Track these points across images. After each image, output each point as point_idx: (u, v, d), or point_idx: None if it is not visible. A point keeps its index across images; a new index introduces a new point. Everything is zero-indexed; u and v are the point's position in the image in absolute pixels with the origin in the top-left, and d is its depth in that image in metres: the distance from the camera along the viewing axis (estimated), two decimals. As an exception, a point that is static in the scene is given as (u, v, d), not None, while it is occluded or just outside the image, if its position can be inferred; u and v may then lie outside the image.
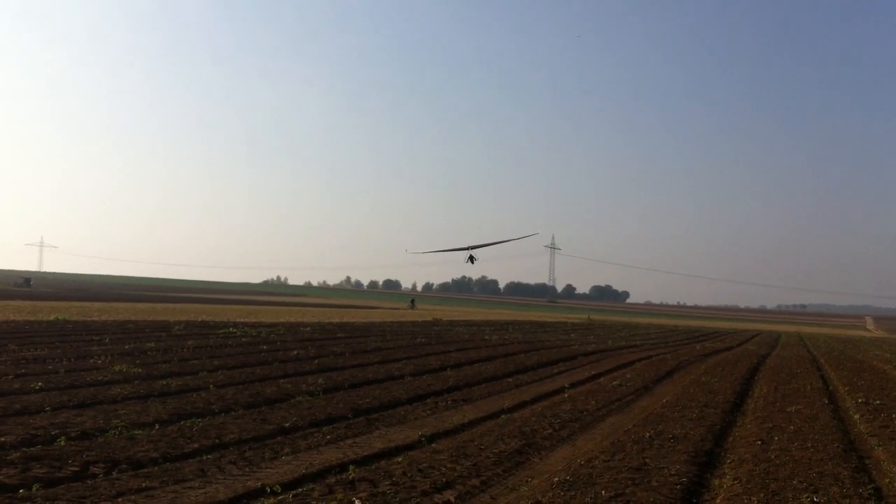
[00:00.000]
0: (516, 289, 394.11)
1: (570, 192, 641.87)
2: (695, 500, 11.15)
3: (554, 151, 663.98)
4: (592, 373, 28.94)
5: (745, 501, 10.70)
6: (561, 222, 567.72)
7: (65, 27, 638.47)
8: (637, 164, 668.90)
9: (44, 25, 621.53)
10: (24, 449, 11.87)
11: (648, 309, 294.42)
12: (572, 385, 24.40)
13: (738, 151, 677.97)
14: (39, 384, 18.19)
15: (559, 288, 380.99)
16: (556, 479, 11.77)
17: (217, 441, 13.30)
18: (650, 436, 15.54)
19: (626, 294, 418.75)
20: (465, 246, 78.26)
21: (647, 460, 13.20)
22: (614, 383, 25.23)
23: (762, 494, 11.06)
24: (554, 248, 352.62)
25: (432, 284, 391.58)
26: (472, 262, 79.76)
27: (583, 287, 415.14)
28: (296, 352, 30.44)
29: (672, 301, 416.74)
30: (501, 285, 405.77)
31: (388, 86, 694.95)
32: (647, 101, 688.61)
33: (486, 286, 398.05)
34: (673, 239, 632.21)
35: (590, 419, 18.07)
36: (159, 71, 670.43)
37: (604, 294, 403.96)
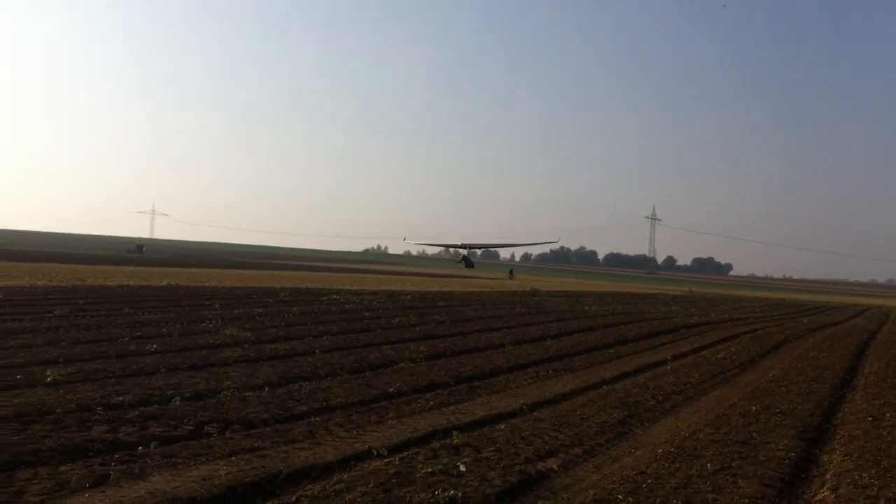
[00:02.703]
0: (615, 260, 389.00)
1: (672, 161, 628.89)
2: (803, 476, 10.95)
3: (654, 120, 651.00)
4: (695, 345, 28.52)
5: (856, 478, 10.46)
6: (662, 192, 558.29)
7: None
8: (743, 132, 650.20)
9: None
10: (141, 408, 12.40)
11: (752, 282, 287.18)
12: (675, 357, 24.12)
13: (848, 119, 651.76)
14: (154, 346, 18.95)
15: (659, 260, 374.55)
16: (660, 450, 11.73)
17: (324, 404, 13.65)
18: (756, 410, 15.29)
19: (728, 266, 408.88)
20: (460, 244, 76.90)
21: (754, 434, 13.01)
22: (718, 356, 24.84)
23: (874, 471, 10.80)
24: (654, 219, 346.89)
25: (531, 255, 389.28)
26: (466, 265, 79.12)
27: (684, 259, 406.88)
28: (397, 319, 30.89)
29: (777, 274, 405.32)
30: (600, 256, 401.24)
31: (492, 58, 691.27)
32: (751, 68, 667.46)
33: (585, 257, 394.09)
34: (778, 210, 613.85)
35: (693, 392, 17.86)
36: (270, 43, 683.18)
37: (706, 266, 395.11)
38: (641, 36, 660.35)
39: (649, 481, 9.89)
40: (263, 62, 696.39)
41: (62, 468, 9.04)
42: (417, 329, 27.68)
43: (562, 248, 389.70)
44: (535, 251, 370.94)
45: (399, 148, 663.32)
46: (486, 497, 8.86)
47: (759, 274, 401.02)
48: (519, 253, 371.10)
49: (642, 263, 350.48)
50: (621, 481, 9.91)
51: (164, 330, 22.65)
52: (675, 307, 58.70)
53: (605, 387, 17.74)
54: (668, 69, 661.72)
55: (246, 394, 14.12)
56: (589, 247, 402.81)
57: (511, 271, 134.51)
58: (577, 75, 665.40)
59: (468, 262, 78.32)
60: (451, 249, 78.82)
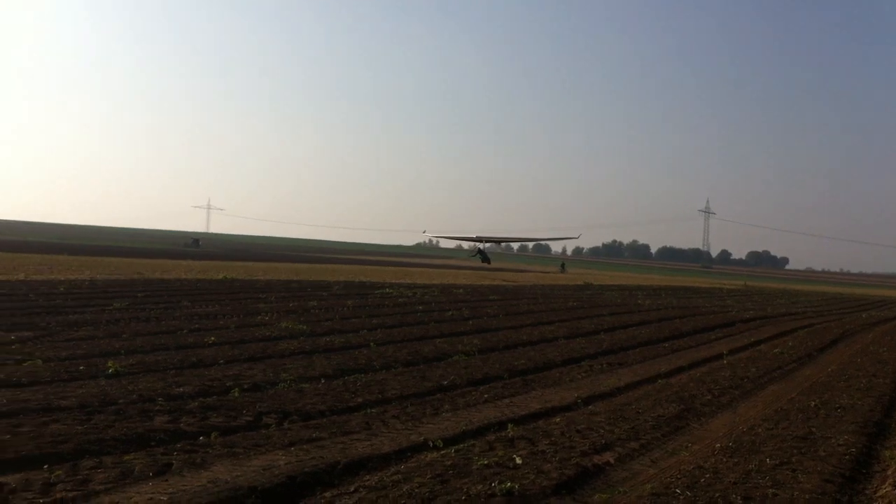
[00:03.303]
0: (668, 254, 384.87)
1: (727, 153, 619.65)
2: (864, 471, 10.76)
3: (707, 111, 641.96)
4: (752, 340, 28.17)
5: (922, 475, 10.26)
6: (716, 185, 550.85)
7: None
8: (800, 123, 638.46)
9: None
10: (201, 399, 12.60)
11: (809, 276, 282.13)
12: (731, 352, 23.84)
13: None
14: (212, 338, 19.24)
15: (713, 253, 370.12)
16: (718, 445, 11.61)
17: (380, 396, 13.75)
18: (815, 405, 15.06)
19: (784, 260, 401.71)
20: (475, 236, 74.26)
21: (813, 429, 12.81)
22: (775, 351, 24.50)
23: (938, 467, 10.59)
24: (708, 213, 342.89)
25: (582, 248, 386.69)
26: (482, 259, 75.55)
27: (739, 253, 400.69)
28: (450, 312, 30.97)
29: (834, 268, 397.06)
30: (653, 250, 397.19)
31: (538, 53, 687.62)
32: (808, 54, 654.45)
33: (638, 251, 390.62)
34: (836, 203, 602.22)
35: (750, 386, 17.64)
36: (322, 42, 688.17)
37: (761, 260, 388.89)
38: (691, 24, 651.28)
39: (707, 476, 9.81)
40: (309, 59, 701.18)
41: (126, 457, 9.23)
42: (470, 322, 27.72)
43: (614, 241, 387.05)
44: (587, 244, 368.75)
45: (448, 141, 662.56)
46: (543, 489, 8.86)
47: (817, 268, 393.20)
48: (571, 247, 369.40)
49: (696, 257, 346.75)
50: (679, 475, 9.84)
51: (221, 322, 22.99)
52: (730, 301, 57.95)
53: (660, 381, 17.60)
54: (720, 57, 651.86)
55: (303, 385, 14.27)
56: (641, 240, 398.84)
57: (563, 265, 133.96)
58: (629, 66, 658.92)
59: (484, 256, 75.58)
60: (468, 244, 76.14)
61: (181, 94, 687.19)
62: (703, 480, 9.59)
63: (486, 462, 9.73)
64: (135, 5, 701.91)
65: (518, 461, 9.88)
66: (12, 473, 8.37)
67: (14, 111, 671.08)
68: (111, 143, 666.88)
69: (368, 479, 8.95)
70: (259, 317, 25.01)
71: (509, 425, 12.05)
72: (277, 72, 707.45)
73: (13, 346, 16.56)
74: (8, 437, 9.56)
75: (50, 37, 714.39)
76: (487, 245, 75.12)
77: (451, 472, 9.28)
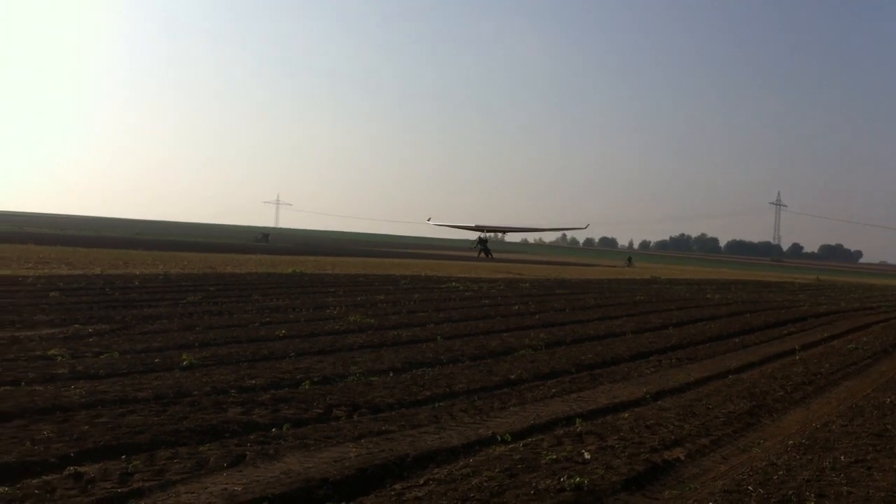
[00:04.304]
0: (738, 247, 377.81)
1: (799, 144, 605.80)
2: (945, 471, 10.49)
3: (778, 102, 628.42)
4: (825, 335, 27.55)
5: None
6: (788, 177, 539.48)
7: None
8: (871, 115, 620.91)
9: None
10: (272, 391, 12.82)
11: (884, 269, 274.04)
12: (803, 347, 23.36)
13: None
14: (283, 331, 19.52)
15: (784, 247, 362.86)
16: (791, 442, 11.43)
17: (447, 390, 13.83)
18: (891, 402, 14.70)
19: (858, 253, 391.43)
20: (474, 225, 70.29)
21: (889, 426, 12.52)
22: (849, 346, 23.94)
23: None
24: (779, 205, 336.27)
25: (649, 242, 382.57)
26: (484, 251, 71.19)
27: (811, 246, 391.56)
28: (516, 307, 30.93)
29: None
30: (722, 244, 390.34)
31: (607, 46, 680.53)
32: (876, 44, 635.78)
33: (706, 244, 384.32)
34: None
35: (824, 382, 17.29)
36: (382, 40, 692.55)
37: (834, 253, 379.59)
38: (755, 10, 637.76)
39: (780, 473, 9.66)
40: (371, 57, 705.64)
41: (201, 448, 9.44)
42: (537, 316, 27.67)
43: (682, 235, 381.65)
44: (654, 238, 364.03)
45: (508, 134, 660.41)
46: (613, 485, 8.83)
47: (892, 261, 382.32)
48: (637, 240, 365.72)
49: (766, 251, 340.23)
50: (751, 472, 9.72)
51: (291, 316, 23.33)
52: (802, 296, 56.72)
53: (730, 376, 17.36)
54: (791, 44, 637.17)
55: (371, 378, 14.43)
56: (710, 234, 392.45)
57: (629, 259, 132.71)
58: (695, 56, 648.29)
59: (485, 248, 71.62)
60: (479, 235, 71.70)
61: (251, 92, 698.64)
62: (775, 478, 9.46)
63: (554, 457, 9.74)
64: (205, 6, 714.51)
65: (587, 456, 9.86)
66: (91, 463, 8.60)
67: (90, 111, 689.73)
68: (185, 141, 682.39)
69: (438, 473, 9.03)
70: (328, 310, 25.32)
71: (577, 420, 12.02)
72: (341, 69, 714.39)
73: (91, 339, 17.05)
74: (87, 427, 9.84)
75: (123, 35, 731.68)
76: (489, 235, 71.76)
77: (519, 466, 9.31)
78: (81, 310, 21.64)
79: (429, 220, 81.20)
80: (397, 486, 8.58)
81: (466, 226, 68.77)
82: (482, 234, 67.14)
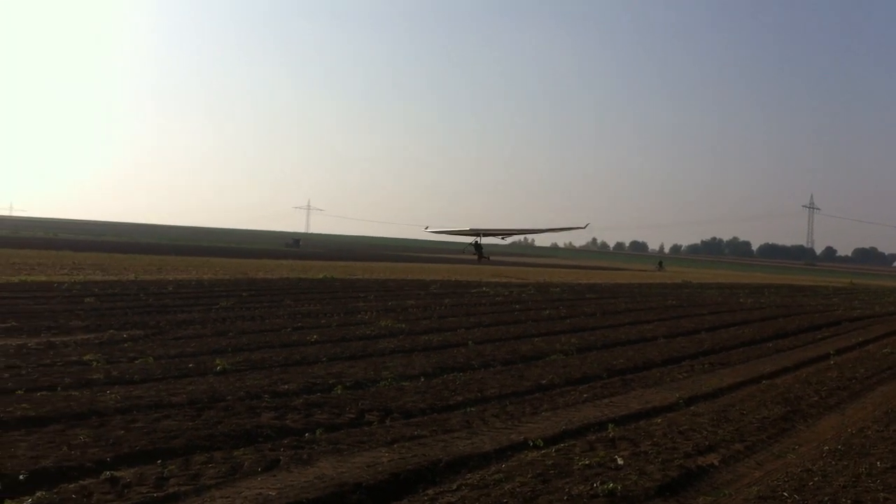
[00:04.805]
0: (770, 251, 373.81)
1: (833, 146, 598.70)
2: (984, 478, 10.34)
3: (809, 104, 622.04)
4: (860, 339, 27.20)
5: None
6: (821, 180, 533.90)
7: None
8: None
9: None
10: (305, 396, 12.88)
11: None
12: (838, 352, 23.09)
13: None
14: (315, 337, 19.63)
15: (818, 250, 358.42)
16: (826, 447, 11.32)
17: (479, 395, 13.82)
18: (929, 407, 14.53)
19: (893, 257, 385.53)
20: (469, 229, 68.22)
21: (926, 432, 12.37)
22: (884, 351, 23.65)
23: None
24: (812, 208, 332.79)
25: (680, 246, 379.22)
26: (479, 254, 68.74)
27: (844, 249, 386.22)
28: (547, 311, 30.87)
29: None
30: (754, 247, 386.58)
31: (632, 45, 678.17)
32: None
33: (738, 248, 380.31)
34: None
35: (859, 387, 17.09)
36: (415, 46, 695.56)
37: (868, 257, 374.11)
38: (786, 11, 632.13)
39: (816, 479, 9.57)
40: (404, 63, 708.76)
41: (235, 452, 9.50)
42: (567, 321, 27.60)
43: (713, 238, 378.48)
44: (685, 242, 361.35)
45: (537, 138, 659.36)
46: (646, 491, 8.79)
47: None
48: (668, 244, 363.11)
49: (799, 254, 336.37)
50: (786, 478, 9.64)
51: (323, 321, 23.46)
52: (836, 300, 56.06)
53: (764, 381, 17.20)
54: (823, 45, 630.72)
55: (403, 383, 14.46)
56: (742, 237, 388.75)
57: (660, 263, 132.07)
58: (726, 56, 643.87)
59: (480, 251, 68.09)
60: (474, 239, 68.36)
61: (283, 99, 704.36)
62: (811, 484, 9.37)
63: (587, 462, 9.71)
64: (243, 12, 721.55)
65: (620, 462, 9.82)
66: (127, 468, 8.69)
67: (125, 118, 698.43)
68: (218, 148, 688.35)
69: (470, 478, 9.03)
70: (359, 315, 25.43)
71: (610, 425, 11.97)
72: (373, 74, 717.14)
73: (126, 345, 17.25)
74: (122, 432, 9.95)
75: (156, 43, 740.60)
76: (485, 239, 69.46)
77: (552, 471, 9.29)
78: (116, 315, 21.91)
79: (426, 228, 78.31)
80: (430, 492, 8.59)
81: (462, 230, 67.12)
82: (477, 239, 65.66)
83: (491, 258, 72.27)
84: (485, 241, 67.03)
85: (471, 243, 65.76)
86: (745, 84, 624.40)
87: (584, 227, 71.49)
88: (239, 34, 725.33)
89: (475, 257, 66.19)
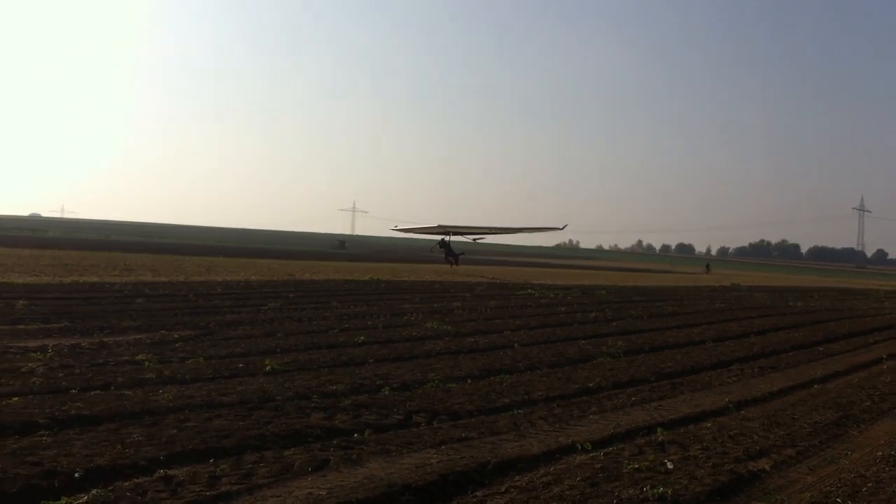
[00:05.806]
0: (820, 254, 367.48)
1: (883, 147, 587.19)
2: None
3: (860, 104, 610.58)
4: (914, 343, 26.73)
5: None
6: (872, 181, 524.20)
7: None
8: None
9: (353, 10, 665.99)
10: (353, 397, 12.95)
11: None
12: (890, 356, 22.65)
13: None
14: (362, 338, 19.74)
15: (869, 253, 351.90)
16: (880, 453, 11.13)
17: (526, 397, 13.80)
18: None
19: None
20: (436, 225, 64.56)
21: (983, 438, 12.12)
22: (940, 355, 23.18)
23: None
24: (863, 211, 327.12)
25: (728, 249, 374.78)
26: (446, 255, 64.48)
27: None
28: (593, 314, 30.71)
29: None
30: (803, 250, 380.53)
31: (678, 49, 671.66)
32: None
33: (787, 251, 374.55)
34: None
35: (913, 393, 16.79)
36: (461, 46, 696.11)
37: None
38: (842, 18, 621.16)
39: (869, 485, 9.44)
40: (447, 63, 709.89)
41: (285, 452, 9.59)
42: (614, 324, 27.44)
43: (762, 241, 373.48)
44: (732, 244, 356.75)
45: (584, 139, 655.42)
46: (697, 496, 8.72)
47: None
48: (715, 246, 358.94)
49: (850, 257, 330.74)
50: (839, 484, 9.51)
51: (369, 322, 23.57)
52: (888, 303, 55.01)
53: (815, 386, 16.95)
54: (872, 44, 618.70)
55: (449, 385, 14.49)
56: (791, 240, 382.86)
57: (707, 265, 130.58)
58: (774, 56, 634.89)
59: (448, 251, 62.70)
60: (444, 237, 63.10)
61: (329, 103, 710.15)
62: (864, 490, 9.25)
63: (636, 466, 9.66)
64: (294, 17, 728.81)
65: (669, 466, 9.76)
66: (180, 467, 8.81)
67: (181, 123, 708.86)
68: (268, 153, 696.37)
69: (518, 480, 9.03)
70: (405, 317, 25.52)
71: (658, 429, 11.89)
72: (415, 75, 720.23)
73: (177, 345, 17.48)
74: (175, 431, 10.09)
75: (208, 46, 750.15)
76: (453, 238, 64.89)
77: (600, 475, 9.25)
78: (167, 316, 22.20)
79: (394, 227, 73.45)
80: (479, 494, 8.61)
81: (429, 227, 64.16)
82: (445, 237, 62.67)
83: (461, 259, 67.67)
84: (483, 239, 64.82)
85: (437, 242, 62.42)
86: (796, 86, 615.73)
87: (561, 229, 69.45)
88: (290, 39, 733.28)
89: (449, 260, 62.49)
